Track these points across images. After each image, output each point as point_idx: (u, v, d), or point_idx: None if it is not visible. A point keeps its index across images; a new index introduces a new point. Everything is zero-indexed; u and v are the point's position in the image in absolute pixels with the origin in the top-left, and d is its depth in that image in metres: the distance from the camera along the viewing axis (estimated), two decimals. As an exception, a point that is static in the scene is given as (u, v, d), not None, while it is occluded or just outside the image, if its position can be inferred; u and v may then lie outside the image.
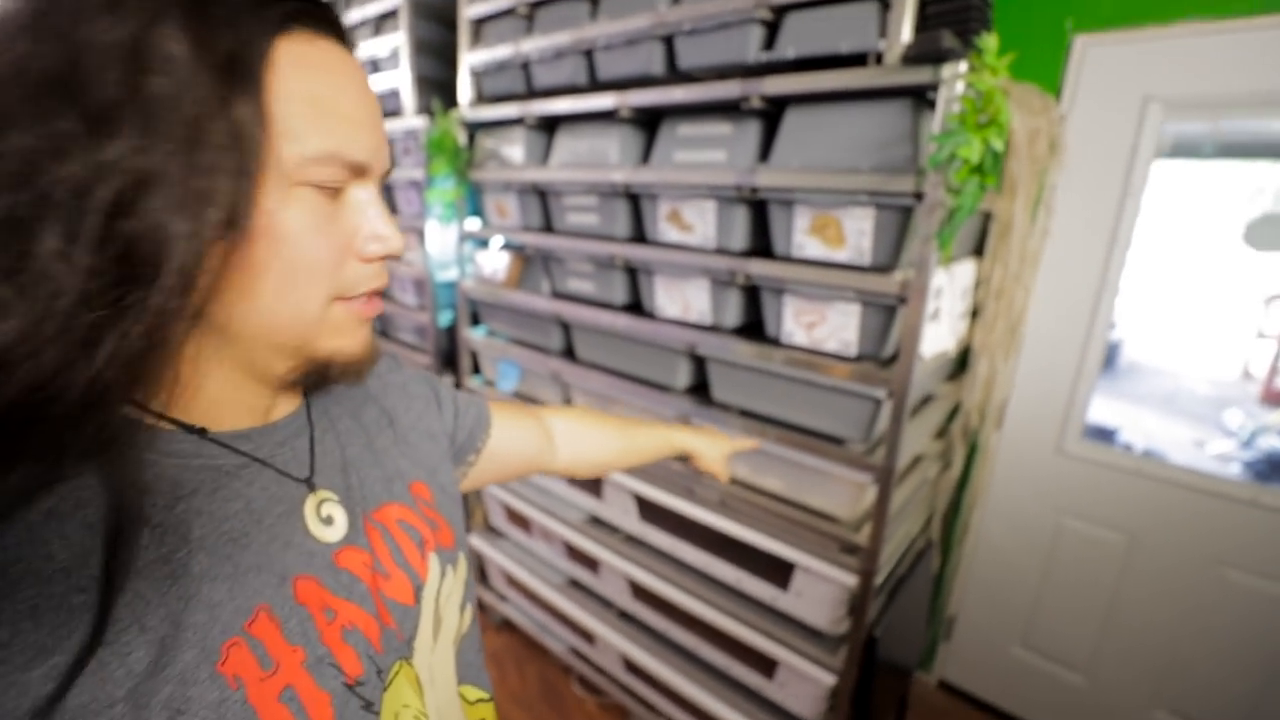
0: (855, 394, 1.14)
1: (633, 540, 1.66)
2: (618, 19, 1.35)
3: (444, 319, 2.11)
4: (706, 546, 1.46)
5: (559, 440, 0.81)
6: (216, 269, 0.35)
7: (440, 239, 1.98)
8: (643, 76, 1.37)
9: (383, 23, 2.02)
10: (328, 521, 0.46)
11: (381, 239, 0.42)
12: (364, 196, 0.41)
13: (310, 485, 0.46)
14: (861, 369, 1.11)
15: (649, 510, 1.57)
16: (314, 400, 0.51)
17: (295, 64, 0.36)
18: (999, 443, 1.72)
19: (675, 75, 1.34)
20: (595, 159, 1.48)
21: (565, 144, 1.57)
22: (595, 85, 1.48)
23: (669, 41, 1.31)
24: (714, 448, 0.87)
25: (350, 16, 2.14)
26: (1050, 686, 1.78)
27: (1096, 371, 1.58)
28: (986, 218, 1.41)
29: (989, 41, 0.84)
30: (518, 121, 1.63)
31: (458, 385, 2.11)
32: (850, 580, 1.19)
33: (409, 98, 1.96)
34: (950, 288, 1.20)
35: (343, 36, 0.40)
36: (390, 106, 2.07)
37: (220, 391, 0.41)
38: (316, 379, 0.43)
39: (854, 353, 1.14)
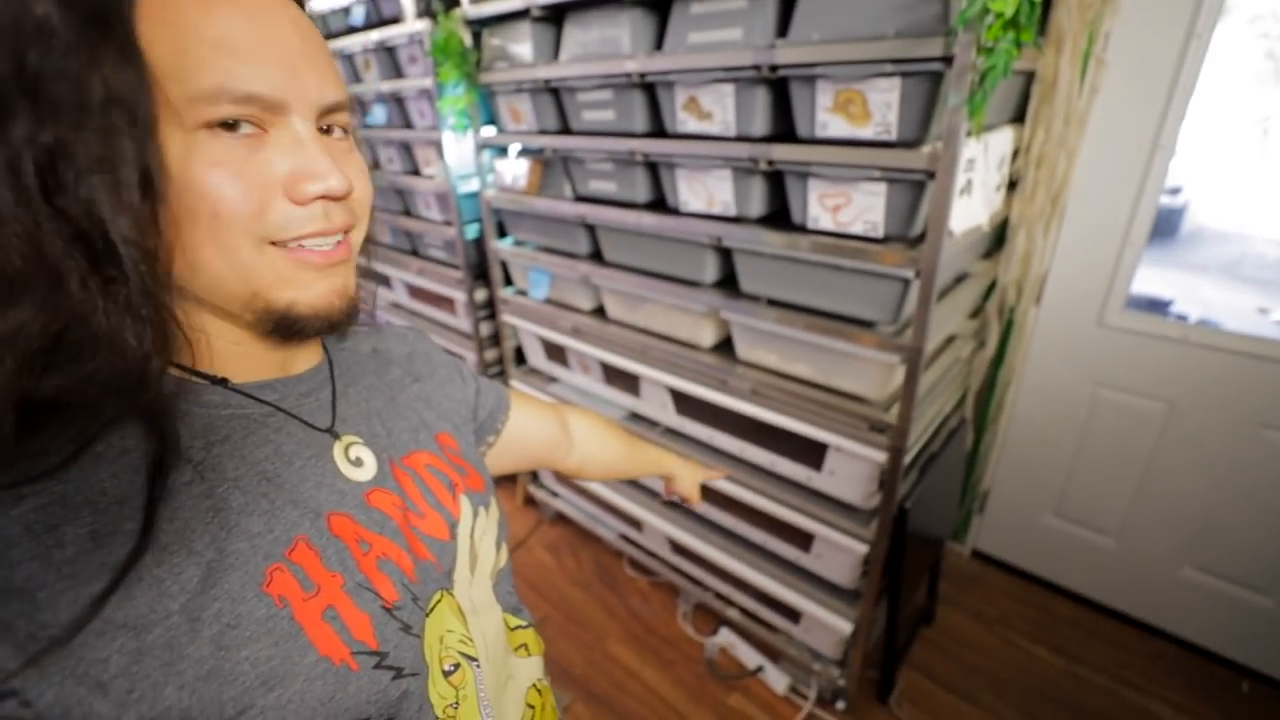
0: (883, 275, 1.13)
1: (671, 432, 1.74)
2: (618, -115, 1.25)
3: (471, 231, 2.12)
4: (741, 434, 1.53)
5: (576, 438, 0.84)
6: (156, 228, 0.35)
7: (458, 150, 1.96)
8: (650, -50, 1.28)
9: (372, -85, 1.90)
10: (357, 464, 0.48)
11: (313, 176, 0.39)
12: (290, 135, 0.38)
13: (334, 434, 0.48)
14: (889, 250, 1.10)
15: (684, 403, 1.63)
16: (335, 355, 0.53)
17: (170, 3, 0.34)
18: (1036, 318, 1.69)
19: (684, -55, 1.24)
20: (607, 49, 1.41)
21: (574, 35, 1.50)
22: (600, -34, 1.39)
23: (675, -94, 1.21)
24: (690, 474, 0.94)
25: (338, -88, 2.01)
26: (1081, 550, 1.85)
27: (1144, 239, 1.51)
28: (1028, 79, 1.31)
29: None
30: (523, 14, 1.55)
31: (490, 297, 2.16)
32: (880, 458, 1.24)
33: (409, 1, 1.88)
34: (984, 158, 1.14)
35: None
36: (390, 12, 1.99)
37: (227, 346, 0.43)
38: (287, 332, 0.42)
39: (881, 233, 1.12)
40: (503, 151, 1.90)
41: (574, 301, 1.85)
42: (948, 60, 0.92)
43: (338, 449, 0.47)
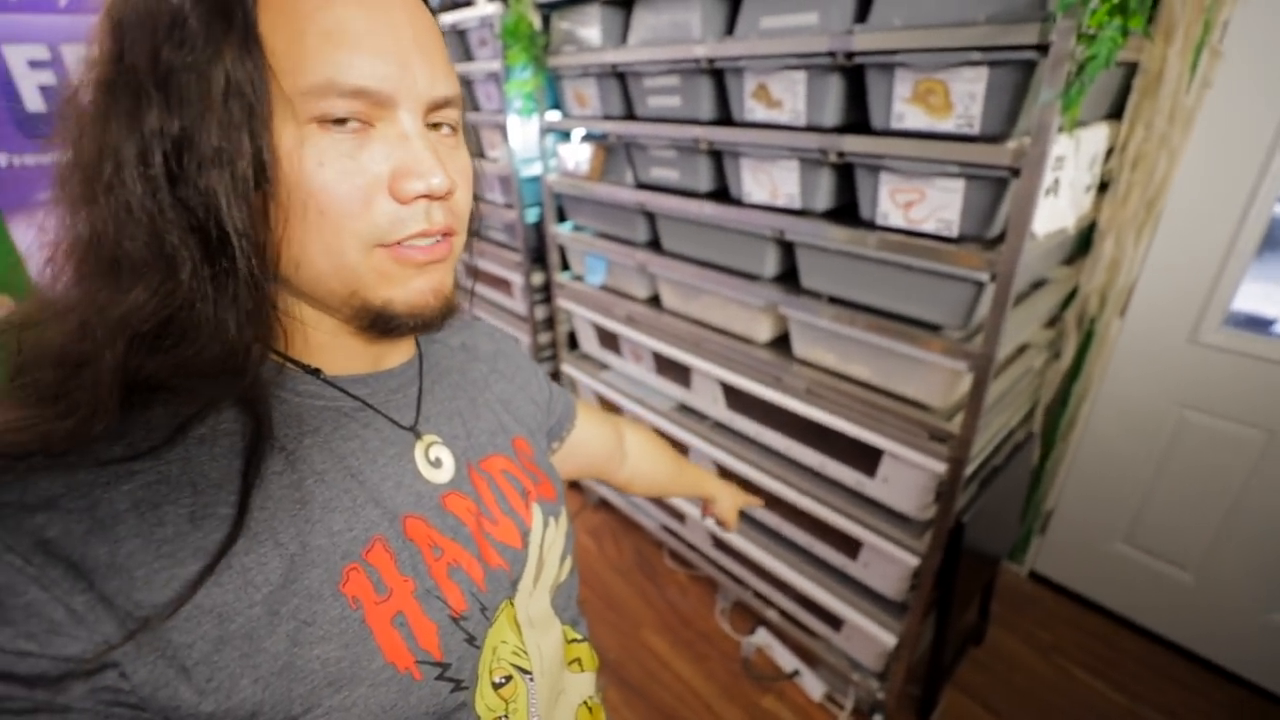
0: (954, 277, 1.07)
1: (720, 427, 1.71)
2: None
3: (531, 215, 2.14)
4: (792, 433, 1.49)
5: (629, 452, 0.85)
6: (263, 220, 0.36)
7: (523, 134, 1.97)
8: (727, -69, 1.24)
9: (451, -103, 1.92)
10: (436, 464, 0.48)
11: (413, 173, 0.37)
12: (396, 130, 0.38)
13: (416, 433, 0.48)
14: (963, 250, 1.04)
15: (736, 398, 1.60)
16: (425, 349, 0.54)
17: None
18: (1120, 330, 1.58)
19: (763, -75, 1.20)
20: (676, 33, 1.39)
21: (644, 19, 1.48)
22: (675, -53, 1.36)
23: (756, -116, 1.16)
24: (730, 499, 0.95)
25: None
26: (1153, 583, 1.73)
27: (1252, 251, 1.38)
28: (1130, 71, 1.21)
29: None
30: (593, -3, 1.54)
31: (547, 281, 2.17)
32: (939, 468, 1.18)
33: (483, -19, 1.89)
34: (1075, 157, 1.07)
35: None
36: (465, -7, 2.01)
37: (323, 338, 0.43)
38: (382, 329, 0.42)
39: (955, 233, 1.06)
40: (566, 136, 1.90)
41: (629, 289, 1.84)
42: (1043, 49, 0.85)
43: (419, 448, 0.47)
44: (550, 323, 2.29)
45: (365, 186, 0.37)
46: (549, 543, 0.55)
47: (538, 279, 2.23)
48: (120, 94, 0.34)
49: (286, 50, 0.34)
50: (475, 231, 0.50)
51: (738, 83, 1.30)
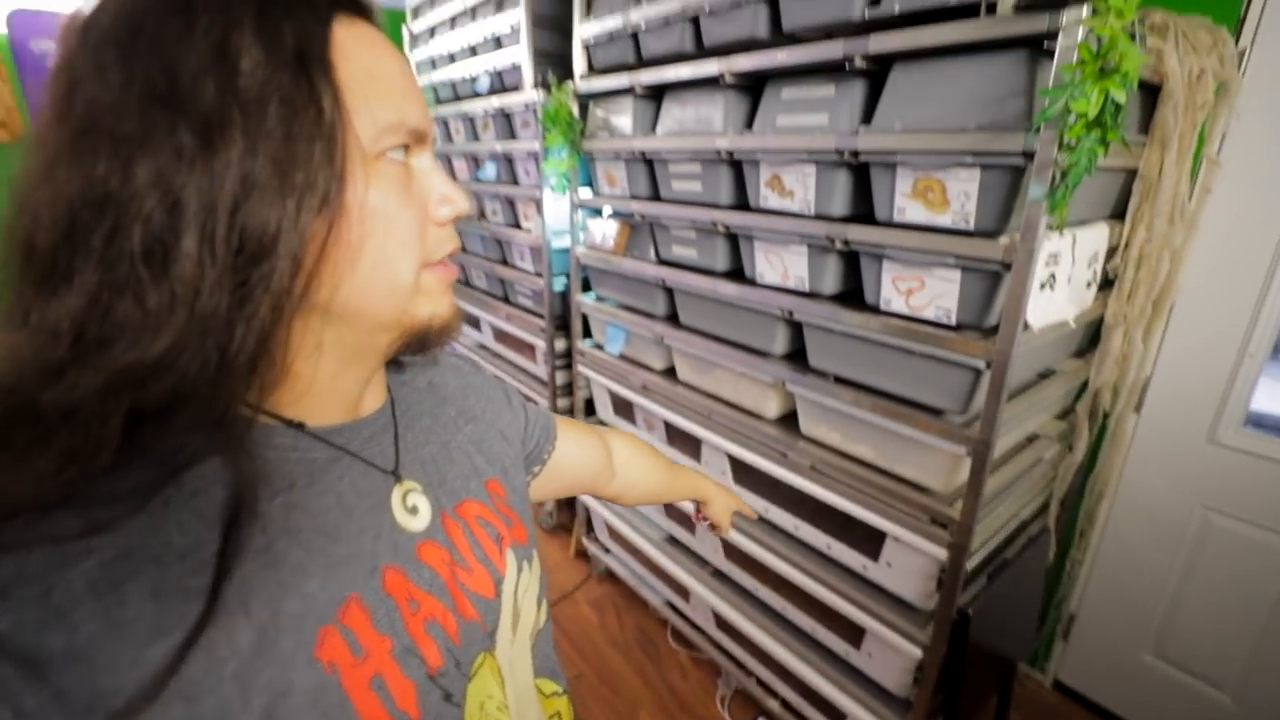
0: (953, 364, 1.10)
1: (726, 501, 1.71)
2: (723, -17, 1.35)
3: (558, 284, 2.24)
4: (798, 511, 1.48)
5: (618, 465, 0.83)
6: (318, 250, 0.36)
7: (555, 208, 2.10)
8: (748, 40, 1.37)
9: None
10: (413, 511, 0.47)
11: (449, 201, 0.43)
12: (427, 163, 0.43)
13: (396, 476, 0.47)
14: (961, 338, 1.07)
15: (743, 472, 1.61)
16: (397, 397, 0.53)
17: (350, 46, 0.38)
18: (1136, 426, 1.56)
19: (780, 37, 1.32)
20: (700, 126, 1.50)
21: (672, 112, 1.60)
22: (701, 52, 1.49)
23: (773, 3, 1.29)
24: (724, 501, 0.94)
25: (475, -4, 2.28)
26: (1187, 703, 1.62)
27: (1266, 351, 1.38)
28: (1130, 176, 1.27)
29: (1118, -20, 0.77)
30: (627, 91, 1.68)
31: (569, 348, 2.25)
32: (941, 554, 1.17)
33: (528, 72, 2.07)
34: (1071, 253, 1.11)
35: (374, 19, 0.42)
36: (511, 81, 2.20)
37: (322, 381, 0.43)
38: (416, 348, 0.45)
39: (953, 321, 1.10)
40: (596, 212, 2.02)
41: (646, 360, 1.90)
42: (1029, 155, 0.92)
43: (396, 494, 0.47)
44: (569, 388, 2.35)
45: (420, 211, 0.42)
46: (523, 588, 0.54)
47: (560, 345, 2.31)
48: (176, 130, 0.32)
49: (357, 94, 0.37)
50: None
51: (754, 172, 1.39)
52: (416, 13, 2.76)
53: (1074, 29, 0.83)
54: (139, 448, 0.33)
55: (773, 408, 1.52)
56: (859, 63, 1.12)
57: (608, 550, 2.28)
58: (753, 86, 1.44)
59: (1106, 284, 1.35)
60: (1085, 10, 0.81)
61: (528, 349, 2.47)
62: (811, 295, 1.35)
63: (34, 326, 0.32)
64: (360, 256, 0.38)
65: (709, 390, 1.69)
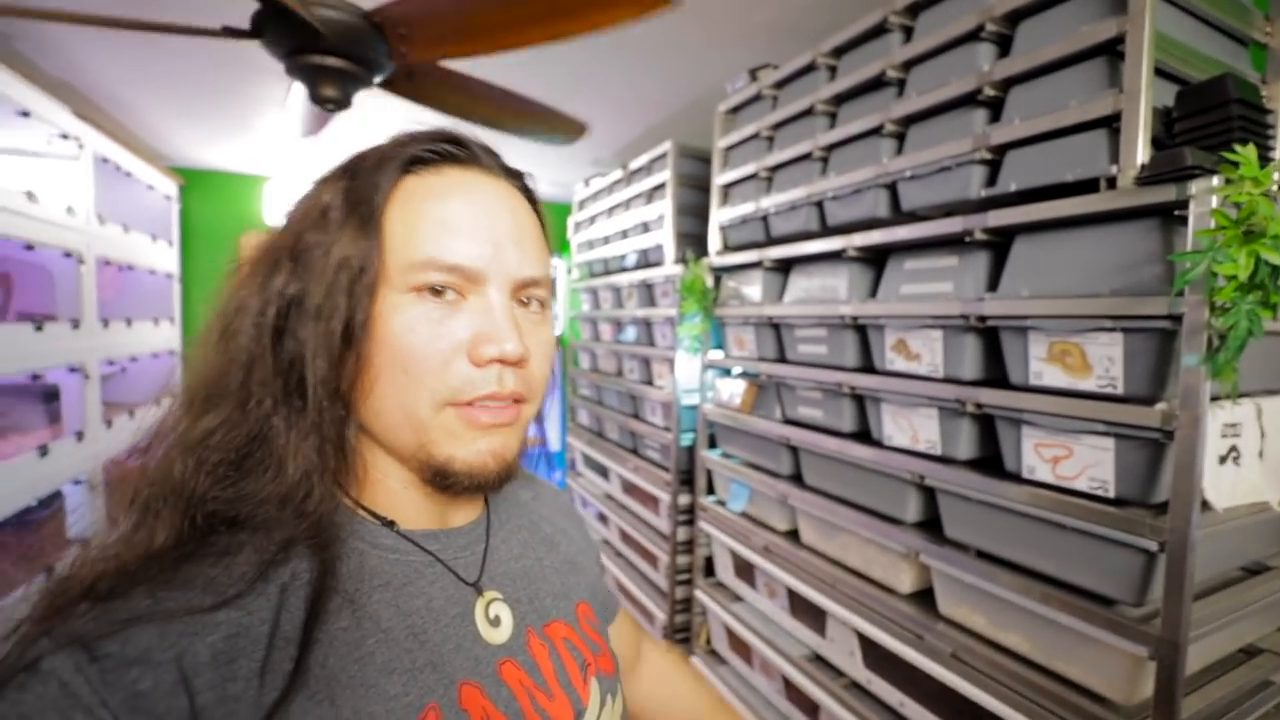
0: (1117, 543, 0.97)
1: (856, 687, 1.52)
2: (844, 173, 1.50)
3: (685, 439, 2.31)
4: (939, 708, 1.28)
5: (644, 671, 0.76)
6: (350, 373, 0.41)
7: (687, 368, 2.23)
8: (869, 219, 1.47)
9: (654, 192, 2.50)
10: (495, 623, 0.47)
11: (491, 340, 0.42)
12: (484, 303, 0.44)
13: (478, 589, 0.48)
14: (1125, 513, 0.95)
15: (874, 654, 1.44)
16: (496, 508, 0.55)
17: (410, 193, 0.44)
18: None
19: (899, 215, 1.41)
20: (825, 294, 1.59)
21: (798, 282, 1.72)
22: (825, 230, 1.62)
23: (892, 188, 1.41)
24: None
25: (628, 191, 2.68)
26: None
27: None
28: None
29: (1247, 153, 0.77)
30: (757, 265, 1.83)
31: (692, 504, 2.25)
32: (1130, 790, 0.94)
33: (669, 250, 2.35)
34: (1259, 424, 0.98)
35: (479, 164, 0.46)
36: (655, 258, 2.49)
37: (395, 488, 0.46)
38: (440, 484, 0.44)
39: (1112, 493, 0.99)
40: (725, 372, 2.12)
41: (770, 519, 1.85)
42: (1175, 318, 0.87)
43: (479, 605, 0.47)
44: (689, 545, 2.31)
45: (447, 349, 0.42)
46: None
47: (684, 500, 2.32)
48: (264, 263, 0.43)
49: (403, 234, 0.42)
50: (539, 412, 0.51)
51: (879, 337, 1.42)
52: (582, 205, 3.27)
53: (1205, 198, 0.82)
54: (248, 527, 0.39)
55: (906, 581, 1.39)
56: (979, 236, 1.17)
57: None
58: (875, 258, 1.52)
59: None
60: (1215, 180, 0.81)
61: (652, 501, 2.50)
62: (944, 460, 1.29)
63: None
64: (380, 382, 0.42)
65: (835, 556, 1.59)
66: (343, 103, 1.37)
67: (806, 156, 1.65)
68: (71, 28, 1.88)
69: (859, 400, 1.53)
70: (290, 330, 0.41)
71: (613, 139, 2.97)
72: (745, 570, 1.94)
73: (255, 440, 0.40)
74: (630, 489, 2.70)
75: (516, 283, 0.45)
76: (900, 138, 1.41)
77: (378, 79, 1.41)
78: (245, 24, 1.36)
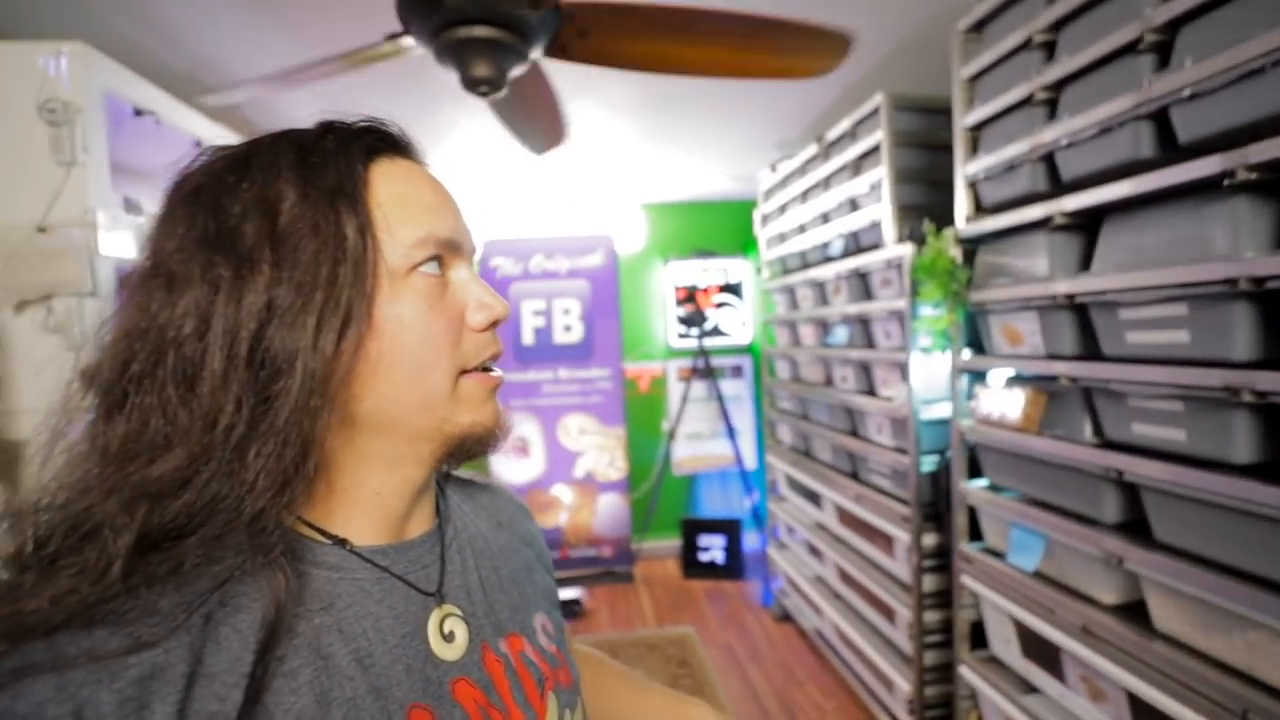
0: None
1: None
2: (1204, 59, 0.95)
3: (927, 464, 1.81)
4: None
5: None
6: (347, 366, 0.39)
7: (926, 372, 1.74)
8: (1255, 122, 0.91)
9: (862, 161, 2.03)
10: (449, 638, 0.45)
11: (486, 307, 0.45)
12: (463, 274, 0.45)
13: (439, 597, 0.46)
14: None
15: None
16: (450, 517, 0.52)
17: (382, 179, 0.43)
18: None
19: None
20: (1183, 252, 1.04)
21: (1117, 241, 1.17)
22: (1173, 152, 1.07)
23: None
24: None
25: (826, 167, 2.24)
26: None
27: None
28: None
29: None
30: (1040, 225, 1.31)
31: (949, 547, 1.73)
32: None
33: (889, 228, 1.87)
34: None
35: (415, 155, 0.47)
36: (869, 240, 2.02)
37: (365, 497, 0.43)
38: (463, 456, 0.45)
39: None
40: (980, 377, 1.59)
41: (1084, 586, 1.29)
42: None
43: (434, 620, 0.45)
44: (944, 599, 1.80)
45: (455, 320, 0.44)
46: None
47: (930, 541, 1.82)
48: (207, 272, 0.37)
49: (394, 217, 0.42)
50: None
51: (1313, 308, 0.85)
52: (768, 195, 2.88)
53: None
54: (179, 563, 0.34)
55: None
56: None
57: None
58: (1276, 185, 0.94)
59: None
60: None
61: (882, 539, 2.02)
62: None
63: (91, 449, 0.36)
64: (394, 367, 0.41)
65: (1226, 659, 1.01)
66: (497, 83, 1.16)
67: (1130, 48, 1.10)
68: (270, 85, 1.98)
69: (1265, 413, 0.96)
70: (273, 329, 0.37)
71: (799, 113, 2.53)
72: (1043, 652, 1.39)
73: (204, 468, 0.36)
74: (850, 520, 2.24)
75: (472, 253, 0.48)
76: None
77: (537, 48, 1.17)
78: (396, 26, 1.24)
